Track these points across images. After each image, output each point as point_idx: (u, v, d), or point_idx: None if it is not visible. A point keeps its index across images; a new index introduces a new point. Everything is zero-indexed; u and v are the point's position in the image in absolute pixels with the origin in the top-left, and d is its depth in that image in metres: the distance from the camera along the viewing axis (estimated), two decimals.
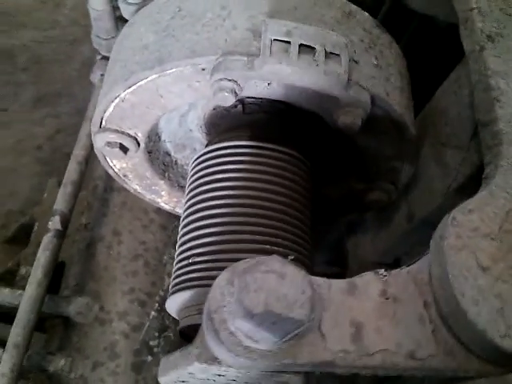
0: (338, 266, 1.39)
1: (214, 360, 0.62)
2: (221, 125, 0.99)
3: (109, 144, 0.95)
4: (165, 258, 1.28)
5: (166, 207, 1.21)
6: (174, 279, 0.88)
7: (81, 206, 1.41)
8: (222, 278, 0.61)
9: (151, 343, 1.19)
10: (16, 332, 1.03)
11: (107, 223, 1.30)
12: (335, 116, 0.80)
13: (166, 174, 1.13)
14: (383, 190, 1.03)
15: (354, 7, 0.86)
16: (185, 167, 1.16)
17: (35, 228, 1.49)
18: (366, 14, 0.87)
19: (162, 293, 1.24)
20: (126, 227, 1.29)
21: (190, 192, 0.94)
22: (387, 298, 0.64)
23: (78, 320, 1.17)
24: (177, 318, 0.91)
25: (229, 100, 0.76)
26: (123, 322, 1.18)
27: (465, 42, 0.87)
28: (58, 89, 2.99)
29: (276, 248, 0.83)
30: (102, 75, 1.26)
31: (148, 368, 1.16)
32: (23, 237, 1.63)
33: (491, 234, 0.65)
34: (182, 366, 0.68)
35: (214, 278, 0.79)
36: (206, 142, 1.05)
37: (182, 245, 0.90)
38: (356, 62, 0.79)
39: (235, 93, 0.76)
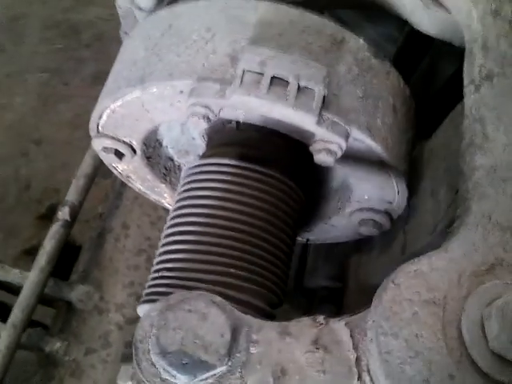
0: (341, 281, 1.37)
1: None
2: (214, 139, 0.99)
3: (105, 149, 0.99)
4: None
5: (170, 208, 1.24)
6: (146, 287, 0.91)
7: (100, 194, 1.48)
8: (155, 308, 0.63)
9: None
10: (16, 313, 1.11)
11: (118, 215, 1.36)
12: (311, 148, 0.79)
13: (168, 178, 1.15)
14: (376, 220, 1.00)
15: (348, 34, 0.83)
16: None
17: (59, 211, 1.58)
18: (361, 41, 0.84)
19: None
20: (134, 222, 1.34)
21: (175, 203, 0.96)
22: (317, 348, 0.63)
23: (79, 306, 1.24)
24: None
25: (201, 125, 0.77)
26: (119, 313, 1.24)
27: (464, 77, 0.81)
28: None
29: (241, 272, 0.84)
30: None
31: None
32: (53, 215, 1.74)
33: (435, 299, 0.62)
34: (123, 380, 0.72)
35: None
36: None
37: (158, 255, 0.92)
38: (336, 95, 0.77)
39: (208, 118, 0.77)
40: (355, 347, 0.63)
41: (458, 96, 0.91)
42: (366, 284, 1.27)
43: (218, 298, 0.61)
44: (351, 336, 0.64)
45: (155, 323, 0.58)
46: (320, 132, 0.75)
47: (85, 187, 1.27)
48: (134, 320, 1.24)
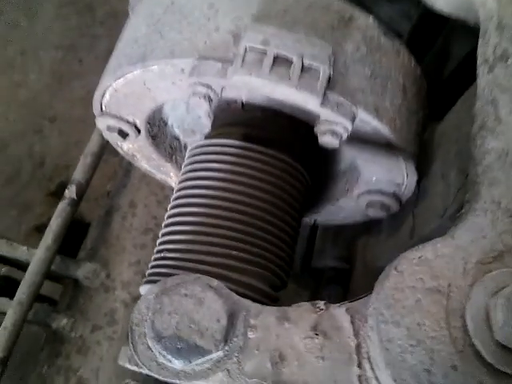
0: (348, 262, 1.36)
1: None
2: (219, 118, 0.97)
3: (109, 128, 0.97)
4: None
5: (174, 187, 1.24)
6: (149, 268, 0.90)
7: (109, 171, 1.47)
8: (151, 291, 0.62)
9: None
10: (22, 290, 1.12)
11: (126, 194, 1.36)
12: (315, 130, 0.77)
13: (173, 158, 1.14)
14: (384, 203, 0.98)
15: (356, 12, 0.79)
16: None
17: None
18: (371, 18, 0.80)
19: None
20: (141, 200, 1.34)
21: (178, 183, 0.95)
22: (316, 334, 0.62)
23: (86, 284, 1.25)
24: None
25: (202, 105, 0.75)
26: (125, 291, 1.24)
27: (478, 56, 0.78)
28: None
29: (243, 255, 0.82)
30: None
31: None
32: (63, 192, 1.74)
33: (439, 287, 0.60)
34: (123, 361, 0.72)
35: None
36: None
37: (161, 235, 0.92)
38: (342, 74, 0.74)
39: (209, 98, 0.75)
40: (356, 334, 0.62)
41: (472, 77, 0.88)
42: (372, 267, 1.25)
43: (216, 282, 0.60)
44: (351, 322, 0.63)
45: (151, 307, 0.58)
46: (324, 113, 0.73)
47: (92, 165, 1.26)
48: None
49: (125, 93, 0.88)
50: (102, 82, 0.88)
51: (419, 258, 0.61)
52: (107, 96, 0.90)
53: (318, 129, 0.76)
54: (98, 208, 1.46)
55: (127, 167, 1.40)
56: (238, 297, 0.63)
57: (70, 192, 1.22)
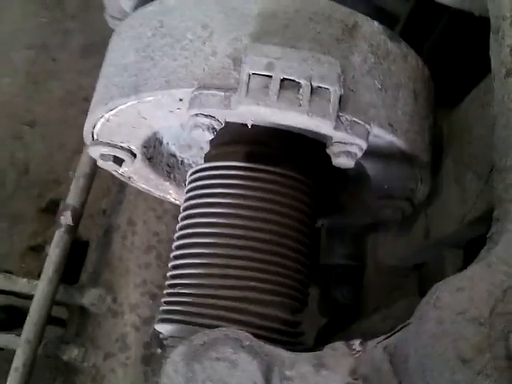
0: (356, 260, 1.33)
1: None
2: (219, 135, 0.91)
3: (102, 156, 0.92)
4: None
5: (177, 202, 1.19)
6: (164, 303, 0.86)
7: (103, 186, 1.42)
8: (177, 352, 0.58)
9: (161, 336, 1.21)
10: (28, 328, 1.08)
11: (123, 212, 1.31)
12: (328, 151, 0.72)
13: (172, 176, 1.09)
14: (397, 207, 0.95)
15: (360, 17, 0.74)
16: (192, 166, 1.11)
17: (61, 207, 1.52)
18: (376, 24, 0.75)
19: None
20: (140, 217, 1.29)
21: (183, 210, 0.90)
22: (356, 379, 0.59)
23: (92, 310, 1.21)
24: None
25: (206, 136, 0.70)
26: (134, 314, 1.20)
27: (493, 58, 0.73)
28: (105, 37, 2.95)
29: (261, 284, 0.79)
30: None
31: (157, 360, 1.19)
32: (54, 208, 1.68)
33: (480, 317, 0.57)
34: None
35: (196, 314, 0.77)
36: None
37: (172, 268, 0.87)
38: (352, 90, 0.69)
39: (213, 128, 0.69)
40: (396, 374, 0.59)
41: (475, 62, 0.84)
42: (383, 265, 1.23)
43: (246, 340, 0.56)
44: (390, 362, 0.60)
45: (182, 373, 0.54)
46: (338, 135, 0.69)
47: (85, 188, 1.21)
48: (150, 320, 1.21)
49: (118, 122, 0.82)
50: (92, 113, 0.82)
51: (457, 289, 0.58)
52: (98, 126, 0.85)
53: (331, 150, 0.71)
54: (94, 226, 1.41)
55: (121, 182, 1.34)
56: (269, 347, 0.59)
57: (66, 218, 1.16)
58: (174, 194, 1.15)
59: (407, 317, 1.15)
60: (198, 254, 0.82)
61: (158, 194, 1.15)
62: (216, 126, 0.70)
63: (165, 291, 0.87)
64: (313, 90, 0.65)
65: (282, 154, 0.86)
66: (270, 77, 0.65)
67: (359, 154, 0.71)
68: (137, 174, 1.06)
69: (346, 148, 0.69)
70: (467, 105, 0.89)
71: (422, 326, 0.57)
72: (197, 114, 0.68)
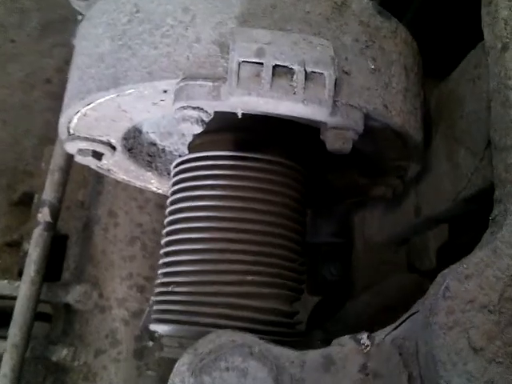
0: (343, 237, 1.33)
1: None
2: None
3: (80, 152, 0.87)
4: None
5: (160, 191, 1.15)
6: (155, 303, 0.83)
7: (78, 177, 1.36)
8: (183, 362, 0.55)
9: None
10: (14, 332, 1.03)
11: (103, 203, 1.26)
12: (322, 137, 0.69)
13: (153, 165, 1.04)
14: (388, 184, 0.93)
15: None
16: (174, 153, 1.07)
17: (35, 200, 1.46)
18: (365, 0, 0.72)
19: None
20: (121, 208, 1.24)
21: (170, 204, 0.87)
22: (367, 374, 0.58)
23: (78, 307, 1.17)
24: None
25: (195, 129, 0.66)
26: (123, 308, 1.17)
27: (486, 31, 0.71)
28: (64, 14, 2.80)
29: (259, 278, 0.76)
30: None
31: (150, 353, 1.17)
32: (28, 201, 1.61)
33: (489, 304, 0.56)
34: None
35: (192, 313, 0.75)
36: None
37: (163, 266, 0.84)
38: (347, 73, 0.66)
39: (202, 121, 0.65)
40: (406, 366, 0.58)
41: (461, 29, 0.81)
42: (372, 242, 1.22)
43: (254, 345, 0.54)
44: (400, 354, 0.59)
45: None
46: (334, 121, 0.65)
47: (61, 182, 1.15)
48: (139, 313, 1.18)
49: (96, 116, 0.77)
50: (67, 108, 0.77)
51: (466, 277, 0.57)
52: (75, 120, 0.79)
53: (326, 136, 0.68)
54: (72, 219, 1.35)
55: (97, 172, 1.29)
56: (276, 349, 0.57)
57: (44, 215, 1.11)
58: (156, 184, 1.11)
59: (399, 294, 1.15)
60: (191, 250, 0.78)
61: (139, 184, 1.11)
62: (205, 118, 0.65)
63: (157, 289, 0.84)
64: (307, 76, 0.61)
65: (271, 140, 0.83)
66: (261, 64, 0.61)
67: (355, 139, 0.68)
68: (116, 166, 1.01)
69: (342, 134, 0.67)
70: (457, 78, 0.87)
71: (432, 318, 0.56)
72: (184, 107, 0.64)
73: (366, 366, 0.58)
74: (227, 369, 0.51)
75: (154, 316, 0.82)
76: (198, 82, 0.63)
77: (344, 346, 0.59)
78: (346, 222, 1.32)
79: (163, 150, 1.06)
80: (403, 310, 1.03)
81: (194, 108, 0.64)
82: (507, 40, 0.66)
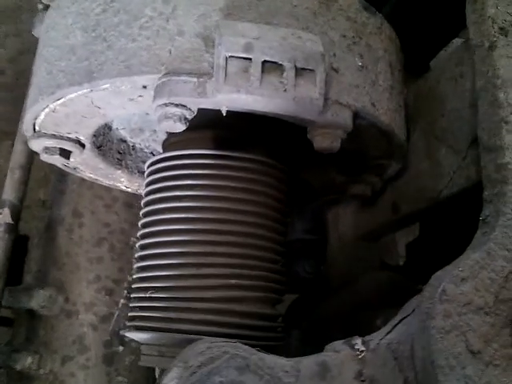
0: (316, 234, 1.31)
1: None
2: None
3: (47, 150, 0.81)
4: (132, 239, 1.19)
5: (129, 190, 1.10)
6: (132, 309, 0.79)
7: (39, 174, 1.28)
8: (172, 376, 0.52)
9: (122, 332, 1.14)
10: None
11: (66, 202, 1.19)
12: (309, 136, 0.67)
13: (123, 163, 0.99)
14: (367, 182, 0.92)
15: None
16: (145, 150, 1.02)
17: None
18: None
19: (130, 278, 1.16)
20: (86, 207, 1.18)
21: (145, 205, 0.82)
22: (363, 381, 0.56)
23: (43, 313, 1.10)
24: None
25: (177, 128, 0.62)
26: (90, 313, 1.12)
27: (471, 29, 0.70)
28: (17, 3, 2.66)
29: (243, 281, 0.74)
30: None
31: (120, 359, 1.12)
32: None
33: (485, 306, 0.55)
34: None
35: (173, 320, 0.71)
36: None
37: (140, 270, 0.80)
38: (335, 70, 0.64)
39: (185, 118, 0.62)
40: (401, 369, 0.57)
41: (436, 23, 0.81)
42: (346, 239, 1.21)
43: (251, 357, 0.51)
44: (395, 358, 0.57)
45: None
46: (323, 120, 0.63)
47: (22, 180, 1.08)
48: (108, 317, 1.13)
49: (66, 112, 0.72)
50: (33, 104, 0.71)
51: (461, 279, 0.56)
52: (42, 116, 0.74)
53: (314, 135, 0.66)
54: (33, 219, 1.28)
55: (61, 170, 1.22)
56: (270, 358, 0.55)
57: (5, 216, 1.04)
58: (125, 182, 1.06)
59: (374, 291, 1.14)
60: (171, 253, 0.75)
61: (107, 182, 1.05)
62: (188, 116, 0.62)
63: (133, 295, 0.80)
64: (297, 73, 0.58)
65: (253, 138, 0.80)
66: (250, 59, 0.57)
67: (343, 138, 0.66)
68: (84, 164, 0.95)
69: (331, 132, 0.64)
70: (436, 75, 0.86)
71: (429, 322, 0.55)
72: (166, 104, 0.60)
73: (362, 373, 0.56)
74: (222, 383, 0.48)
75: (130, 323, 0.78)
76: (181, 78, 0.59)
77: (339, 352, 0.57)
78: (319, 219, 1.31)
79: (133, 148, 1.01)
80: (379, 307, 1.03)
81: (176, 105, 0.60)
82: (495, 39, 0.66)
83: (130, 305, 0.79)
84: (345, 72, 0.65)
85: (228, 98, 0.58)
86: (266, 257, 0.77)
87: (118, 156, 0.98)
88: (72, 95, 0.66)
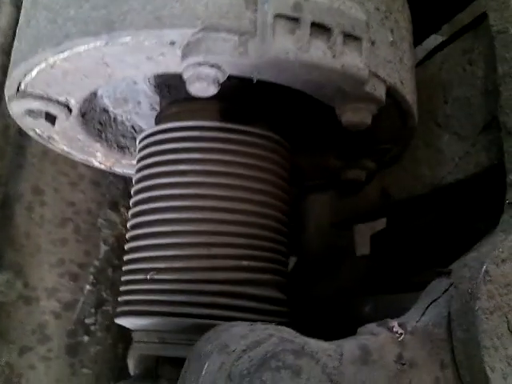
0: (293, 221, 1.29)
1: None
2: (178, 87, 0.77)
3: (30, 112, 0.71)
4: (99, 220, 1.10)
5: (101, 167, 1.01)
6: (126, 293, 0.72)
7: None
8: (213, 361, 0.47)
9: (87, 321, 1.04)
10: None
11: (25, 178, 1.07)
12: (339, 111, 0.63)
13: (103, 135, 0.91)
14: (363, 167, 0.90)
15: None
16: (126, 124, 0.95)
17: None
18: None
19: (96, 263, 1.07)
20: (49, 184, 1.07)
21: (138, 181, 0.75)
22: (403, 364, 0.54)
23: None
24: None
25: (209, 91, 0.56)
26: (53, 299, 1.02)
27: (492, 16, 0.70)
28: None
29: (254, 263, 0.69)
30: None
31: (85, 349, 1.03)
32: None
33: None
34: None
35: (179, 303, 0.65)
36: (156, 102, 0.84)
37: (133, 250, 0.73)
38: (372, 42, 0.61)
39: (218, 83, 0.56)
40: (437, 352, 0.56)
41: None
42: (326, 227, 1.20)
43: (301, 341, 0.47)
44: (431, 341, 0.56)
45: None
46: (360, 93, 0.60)
47: None
48: (73, 304, 1.04)
49: (66, 69, 0.63)
50: (28, 57, 0.62)
51: (502, 260, 0.55)
52: (34, 73, 0.64)
53: (344, 109, 0.63)
54: None
55: (18, 141, 1.10)
56: (313, 342, 0.51)
57: None
58: (100, 157, 0.97)
59: (353, 277, 1.14)
60: (175, 231, 0.68)
61: (80, 157, 0.96)
62: (221, 79, 0.56)
63: (126, 277, 0.73)
64: (345, 39, 0.55)
65: (261, 111, 0.75)
66: (297, 20, 0.53)
67: (375, 114, 0.63)
68: (61, 134, 0.86)
69: (364, 107, 0.62)
70: (438, 63, 0.87)
71: (473, 302, 0.54)
72: (200, 63, 0.54)
73: (402, 356, 0.54)
74: (279, 368, 0.44)
75: (123, 308, 0.71)
76: (221, 35, 0.53)
77: (377, 336, 0.55)
78: (295, 205, 1.28)
79: (114, 119, 0.93)
80: (360, 294, 1.03)
81: (212, 65, 0.54)
82: None
83: (122, 288, 0.72)
84: (380, 45, 0.62)
85: (273, 61, 0.53)
86: (275, 238, 0.73)
87: (99, 127, 0.89)
88: (81, 47, 0.58)
